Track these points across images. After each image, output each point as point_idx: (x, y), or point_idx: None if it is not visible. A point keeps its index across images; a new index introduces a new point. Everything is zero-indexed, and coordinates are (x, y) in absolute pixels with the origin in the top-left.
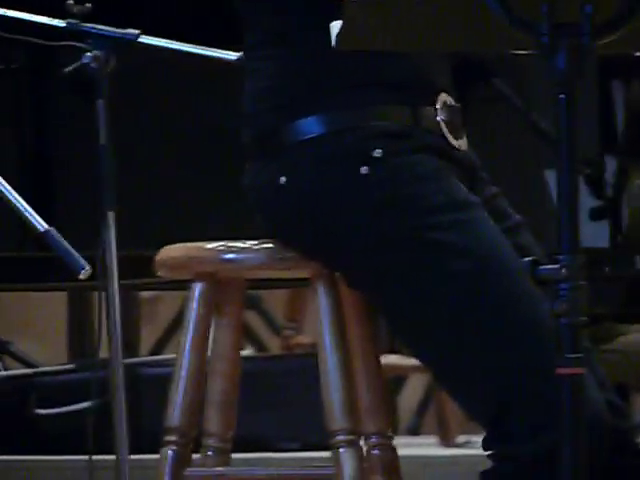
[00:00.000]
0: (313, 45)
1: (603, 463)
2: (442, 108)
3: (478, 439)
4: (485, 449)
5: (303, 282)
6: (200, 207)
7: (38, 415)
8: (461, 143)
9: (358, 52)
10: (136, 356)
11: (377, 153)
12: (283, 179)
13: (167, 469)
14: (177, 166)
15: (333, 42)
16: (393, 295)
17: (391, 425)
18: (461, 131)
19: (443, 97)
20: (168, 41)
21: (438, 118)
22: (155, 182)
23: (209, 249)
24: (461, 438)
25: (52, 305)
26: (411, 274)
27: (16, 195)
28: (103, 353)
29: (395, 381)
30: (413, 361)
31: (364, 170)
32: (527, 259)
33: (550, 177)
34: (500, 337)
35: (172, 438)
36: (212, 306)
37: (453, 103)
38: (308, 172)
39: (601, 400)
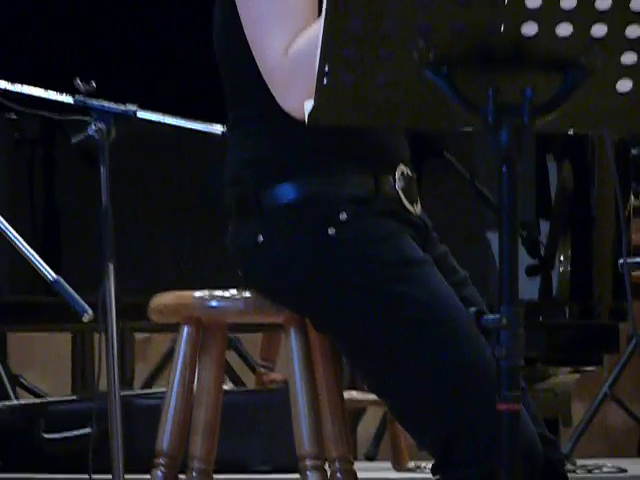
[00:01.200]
0: (288, 122)
1: None
2: (400, 177)
3: (427, 464)
4: (434, 474)
5: (277, 327)
6: (188, 259)
7: (45, 439)
8: (416, 208)
9: (328, 128)
10: (131, 389)
11: (343, 217)
12: (261, 238)
13: None
14: (168, 223)
15: (306, 120)
16: (354, 338)
17: (351, 451)
18: (416, 197)
19: (401, 167)
20: (162, 115)
21: (396, 186)
22: (149, 237)
23: (196, 297)
24: (412, 464)
25: (58, 343)
26: (369, 320)
27: (28, 247)
28: (102, 386)
29: (355, 413)
30: (371, 396)
31: (331, 231)
32: (473, 309)
33: (492, 237)
34: (447, 376)
35: (161, 461)
36: (198, 346)
37: (409, 173)
38: (283, 232)
39: (535, 433)
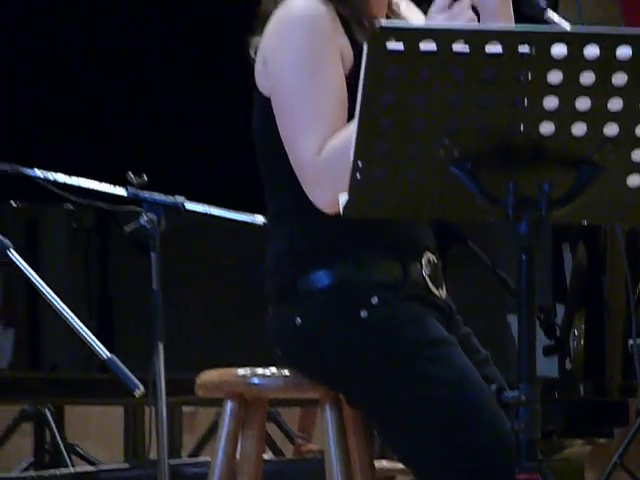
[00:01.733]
0: (320, 215)
1: None
2: (426, 264)
3: None
4: None
5: (313, 402)
6: (231, 339)
7: None
8: (441, 292)
9: (360, 219)
10: (178, 458)
11: (374, 301)
12: (299, 320)
13: None
14: (214, 305)
15: (341, 211)
16: (385, 414)
17: None
18: (441, 282)
19: (427, 255)
20: (208, 207)
21: (423, 272)
22: (196, 318)
23: (239, 375)
24: None
25: (111, 415)
26: (400, 397)
27: (84, 327)
28: (152, 455)
29: None
30: (399, 465)
31: (364, 314)
32: (494, 387)
33: (512, 320)
34: (471, 448)
35: None
36: (240, 419)
37: (435, 260)
38: (319, 315)
39: None
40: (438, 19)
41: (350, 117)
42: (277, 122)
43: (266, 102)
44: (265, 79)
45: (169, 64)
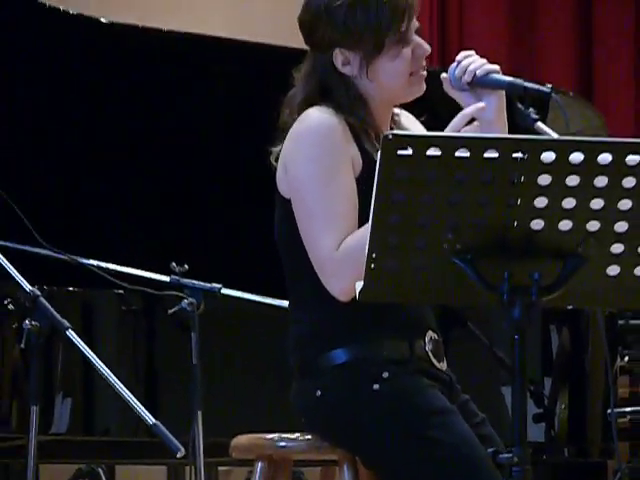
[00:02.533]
0: (336, 301)
1: None
2: (429, 341)
3: None
4: None
5: (332, 462)
6: (262, 409)
7: None
8: (442, 365)
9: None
10: None
11: (385, 375)
12: (319, 392)
13: None
14: (247, 379)
15: (357, 297)
16: (396, 473)
17: None
18: (442, 356)
19: (430, 333)
20: (242, 292)
21: (426, 348)
22: (231, 390)
23: (268, 439)
24: None
25: (156, 473)
26: (409, 459)
27: (132, 396)
28: None
29: None
30: None
31: (376, 387)
32: (491, 450)
33: (505, 391)
34: None
35: None
36: (269, 478)
37: (436, 337)
38: (337, 388)
39: None
40: None
41: (361, 215)
42: (297, 223)
43: (286, 203)
44: (286, 184)
45: (208, 165)
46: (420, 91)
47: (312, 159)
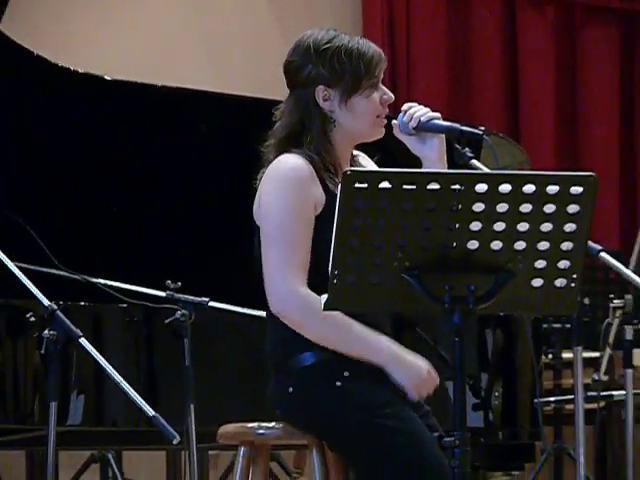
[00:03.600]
0: None
1: None
2: None
3: None
4: None
5: (304, 446)
6: (244, 402)
7: None
8: None
9: None
10: None
11: (346, 374)
12: (291, 389)
13: None
14: (232, 378)
15: (322, 307)
16: (357, 456)
17: None
18: None
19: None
20: (226, 305)
21: None
22: (218, 387)
23: (249, 427)
24: None
25: (157, 457)
26: (367, 444)
27: (135, 393)
28: None
29: None
30: None
31: (338, 384)
32: (436, 434)
33: (449, 385)
34: (419, 477)
35: None
36: (250, 460)
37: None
38: (306, 385)
39: None
40: None
41: (328, 242)
42: (262, 247)
43: (259, 231)
44: (258, 215)
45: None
46: (380, 134)
47: (282, 197)
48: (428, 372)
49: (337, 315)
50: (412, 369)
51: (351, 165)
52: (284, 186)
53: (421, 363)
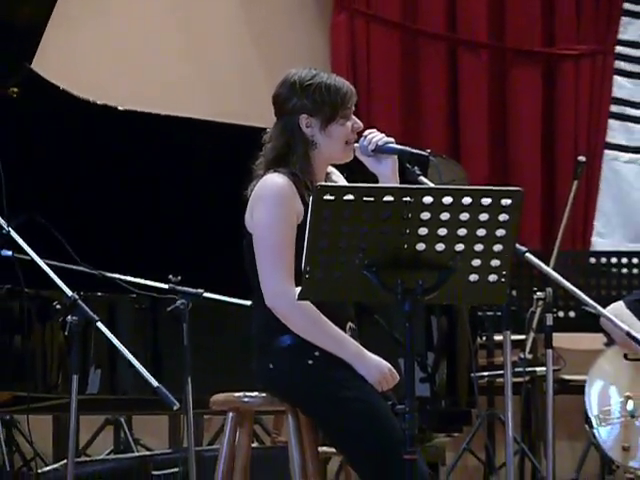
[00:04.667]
0: None
1: None
2: (349, 329)
3: None
4: None
5: (282, 412)
6: (232, 376)
7: (153, 475)
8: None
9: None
10: (200, 446)
11: (316, 354)
12: (271, 366)
13: None
14: (223, 356)
15: (296, 298)
16: (324, 420)
17: None
18: (357, 340)
19: (349, 324)
20: (217, 295)
21: (347, 334)
22: (212, 362)
23: (236, 396)
24: None
25: (161, 420)
26: (332, 411)
27: (143, 368)
28: (185, 444)
29: (325, 460)
30: (333, 450)
31: (310, 362)
32: (389, 402)
33: (400, 362)
34: (375, 438)
35: None
36: (237, 423)
37: (354, 326)
38: (283, 363)
39: (425, 469)
40: None
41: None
42: (255, 253)
43: (250, 236)
44: (250, 224)
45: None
46: (350, 157)
47: (269, 211)
48: (389, 369)
49: (316, 313)
50: (374, 366)
51: (325, 180)
52: (272, 202)
53: (382, 361)
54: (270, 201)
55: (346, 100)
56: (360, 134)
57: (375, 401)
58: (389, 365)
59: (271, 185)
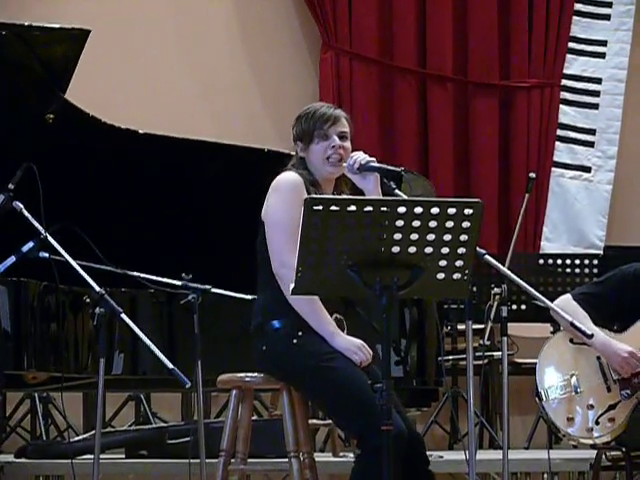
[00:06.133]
0: (280, 290)
1: (405, 461)
2: (335, 320)
3: (348, 454)
4: (357, 447)
5: (277, 389)
6: (236, 359)
7: (168, 443)
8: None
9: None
10: (208, 418)
11: (300, 334)
12: (264, 347)
13: (221, 466)
14: (228, 341)
15: (290, 292)
16: (313, 393)
17: (312, 448)
18: (344, 329)
19: (335, 315)
20: (223, 290)
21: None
22: (218, 347)
23: (238, 377)
24: (341, 453)
25: (175, 397)
26: (319, 383)
27: (160, 352)
28: (195, 417)
29: (314, 430)
30: (321, 422)
31: (295, 341)
32: (369, 381)
33: (379, 348)
34: (356, 406)
35: (223, 453)
36: (240, 399)
37: (340, 317)
38: (274, 344)
39: (402, 425)
40: None
41: None
42: (266, 237)
43: (264, 226)
44: (265, 213)
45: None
46: (336, 172)
47: (282, 201)
48: (362, 344)
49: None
50: (348, 341)
51: (336, 185)
52: (285, 189)
53: (356, 339)
54: (284, 188)
55: (323, 124)
56: (347, 155)
57: (356, 373)
58: (362, 342)
59: (285, 177)
